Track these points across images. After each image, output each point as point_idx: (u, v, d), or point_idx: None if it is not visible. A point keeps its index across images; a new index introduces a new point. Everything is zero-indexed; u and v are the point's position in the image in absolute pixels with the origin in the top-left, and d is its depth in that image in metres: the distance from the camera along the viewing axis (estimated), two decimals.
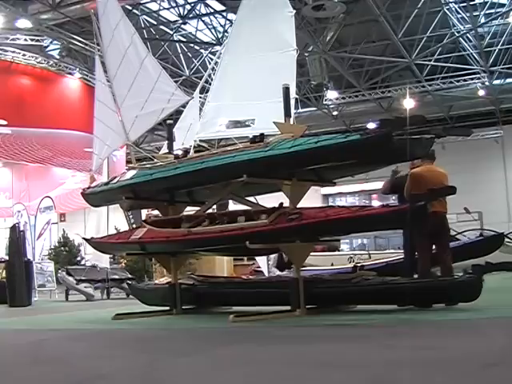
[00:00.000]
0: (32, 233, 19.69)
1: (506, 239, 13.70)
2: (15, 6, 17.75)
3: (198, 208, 8.72)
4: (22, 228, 14.77)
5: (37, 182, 25.09)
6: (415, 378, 3.16)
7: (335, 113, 27.76)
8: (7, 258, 13.15)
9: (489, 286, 6.85)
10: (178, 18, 20.70)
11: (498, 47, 22.00)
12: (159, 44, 21.50)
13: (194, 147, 8.78)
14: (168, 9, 20.60)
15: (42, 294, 15.60)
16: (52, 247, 19.73)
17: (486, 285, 6.57)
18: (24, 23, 18.82)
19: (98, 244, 9.65)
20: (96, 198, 9.48)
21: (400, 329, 5.64)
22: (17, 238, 12.88)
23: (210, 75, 9.66)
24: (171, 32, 21.55)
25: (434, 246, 7.79)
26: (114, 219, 19.57)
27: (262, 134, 7.38)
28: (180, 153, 8.51)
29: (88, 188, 9.46)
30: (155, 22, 21.23)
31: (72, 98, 24.01)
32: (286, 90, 7.42)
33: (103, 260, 16.88)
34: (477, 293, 6.43)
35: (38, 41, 21.44)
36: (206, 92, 9.31)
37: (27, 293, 12.60)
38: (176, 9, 20.41)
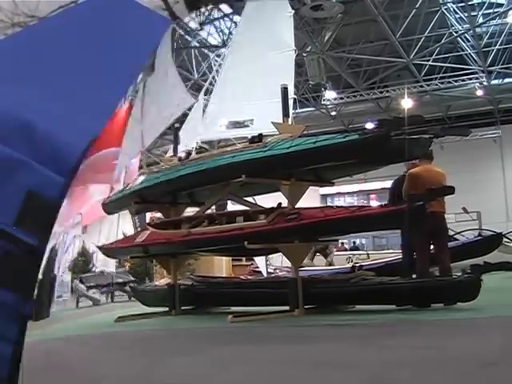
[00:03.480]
0: (62, 248, 19.62)
1: (505, 239, 13.70)
2: None
3: (198, 208, 8.75)
4: (57, 247, 14.77)
5: (73, 200, 24.93)
6: (414, 377, 3.16)
7: (333, 113, 27.74)
8: (41, 276, 13.07)
9: (487, 286, 6.85)
10: (198, 26, 20.70)
11: (496, 47, 21.99)
12: (180, 52, 21.47)
13: (196, 149, 8.82)
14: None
15: (58, 303, 15.52)
16: (72, 259, 19.73)
17: (485, 284, 6.56)
18: None
19: (108, 250, 9.86)
20: (111, 205, 9.78)
21: (399, 328, 5.64)
22: (53, 258, 12.88)
23: (213, 77, 9.73)
24: (190, 39, 21.62)
25: (432, 246, 7.80)
26: (123, 225, 19.68)
27: (260, 135, 7.39)
28: (183, 155, 8.56)
29: (108, 198, 9.69)
30: (182, 32, 21.17)
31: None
32: (285, 90, 7.43)
33: (110, 264, 16.98)
34: (475, 292, 6.43)
35: None
36: (210, 94, 9.36)
37: (48, 305, 12.61)
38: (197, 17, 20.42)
